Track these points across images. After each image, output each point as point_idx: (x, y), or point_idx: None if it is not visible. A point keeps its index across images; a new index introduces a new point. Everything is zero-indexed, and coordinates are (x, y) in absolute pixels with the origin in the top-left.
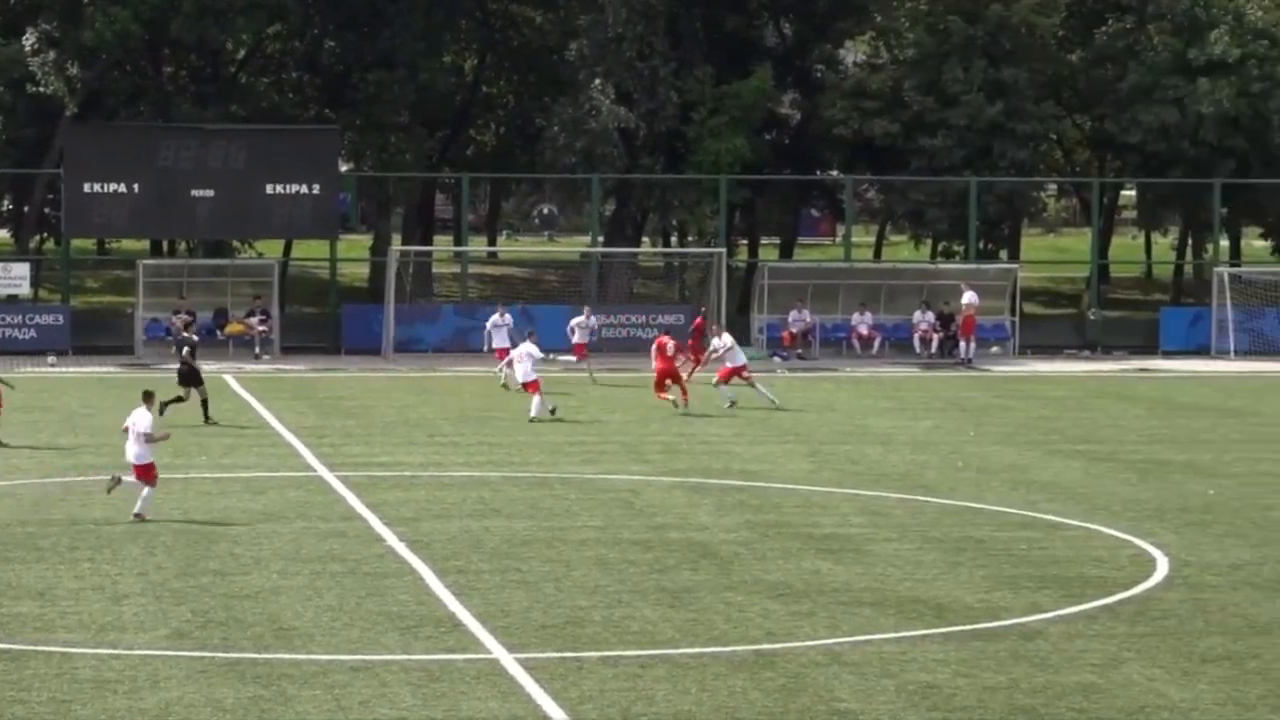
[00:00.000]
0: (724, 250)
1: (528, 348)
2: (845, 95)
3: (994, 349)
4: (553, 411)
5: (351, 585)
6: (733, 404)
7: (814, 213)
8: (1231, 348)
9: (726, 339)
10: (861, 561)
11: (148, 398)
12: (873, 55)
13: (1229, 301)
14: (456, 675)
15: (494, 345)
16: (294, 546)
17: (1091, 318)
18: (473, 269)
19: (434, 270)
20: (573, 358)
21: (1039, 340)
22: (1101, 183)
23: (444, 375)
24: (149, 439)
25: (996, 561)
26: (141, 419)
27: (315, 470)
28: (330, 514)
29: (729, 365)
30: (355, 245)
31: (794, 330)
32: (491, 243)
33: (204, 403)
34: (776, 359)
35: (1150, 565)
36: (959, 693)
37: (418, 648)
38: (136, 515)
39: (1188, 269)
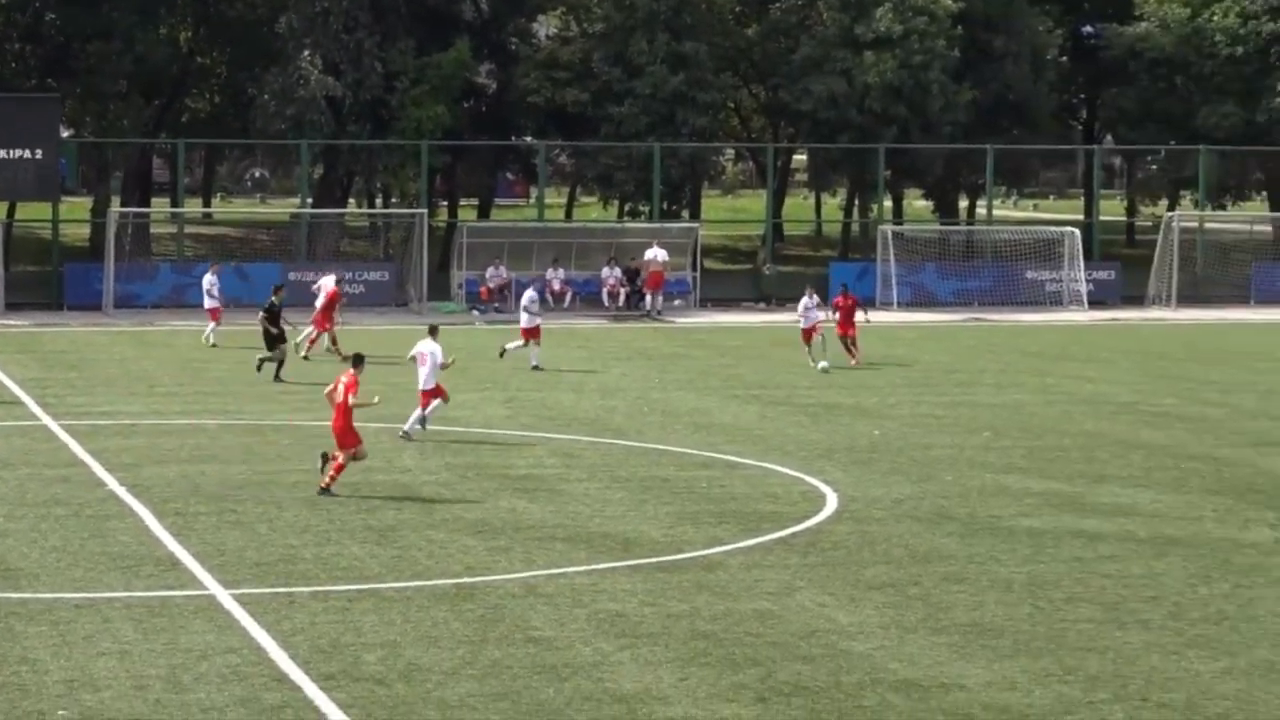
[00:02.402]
0: (425, 211)
1: (533, 294)
2: (538, 66)
3: (676, 302)
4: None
5: (75, 527)
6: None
7: (509, 176)
8: (895, 299)
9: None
10: (555, 500)
11: (434, 331)
12: (564, 29)
13: (892, 257)
14: (175, 610)
15: (208, 305)
16: (19, 492)
17: (766, 272)
18: (189, 229)
19: (152, 231)
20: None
21: (718, 294)
22: (775, 148)
23: (162, 329)
24: (443, 366)
25: (680, 499)
26: (436, 349)
27: (40, 419)
28: (54, 461)
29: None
30: (77, 207)
31: (491, 286)
32: (206, 204)
33: (268, 359)
34: (475, 313)
35: (821, 501)
36: (645, 620)
37: (139, 585)
38: (413, 431)
39: (855, 227)
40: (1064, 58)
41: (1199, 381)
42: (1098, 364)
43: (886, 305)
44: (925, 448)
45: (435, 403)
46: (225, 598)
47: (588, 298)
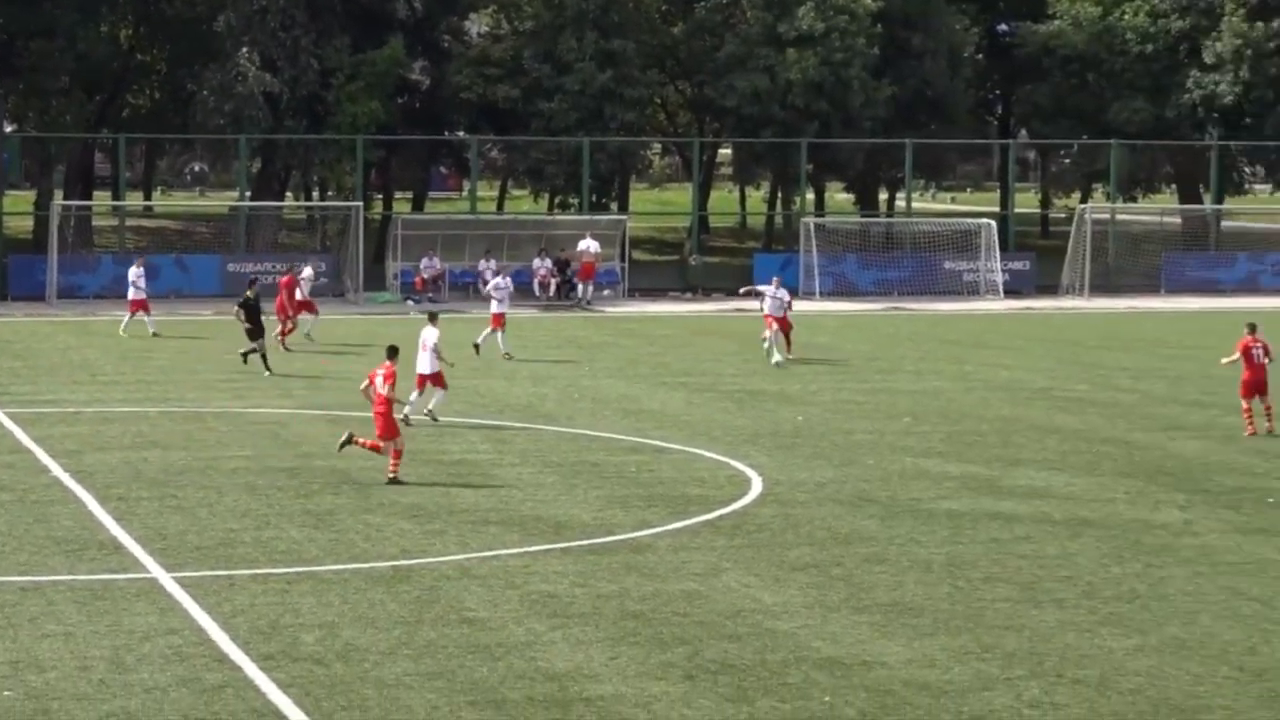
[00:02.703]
0: (361, 204)
1: (500, 282)
2: (470, 63)
3: (605, 292)
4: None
5: (20, 512)
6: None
7: (443, 169)
8: (817, 289)
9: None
10: (488, 484)
11: (433, 318)
12: (495, 27)
13: (814, 248)
14: (119, 593)
15: (132, 296)
16: None
17: (692, 263)
18: (130, 222)
19: (94, 223)
20: (128, 314)
21: (646, 284)
22: (701, 142)
23: (104, 319)
24: (437, 352)
25: (609, 483)
26: (432, 336)
27: None
28: None
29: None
30: (20, 200)
31: (425, 276)
32: (147, 198)
33: (253, 351)
34: (410, 302)
35: (746, 484)
36: (576, 601)
37: (82, 569)
38: (429, 412)
39: (778, 219)
40: (980, 55)
41: (1111, 368)
42: (1013, 351)
43: (809, 295)
44: (847, 433)
45: (439, 393)
46: (167, 580)
47: (519, 288)
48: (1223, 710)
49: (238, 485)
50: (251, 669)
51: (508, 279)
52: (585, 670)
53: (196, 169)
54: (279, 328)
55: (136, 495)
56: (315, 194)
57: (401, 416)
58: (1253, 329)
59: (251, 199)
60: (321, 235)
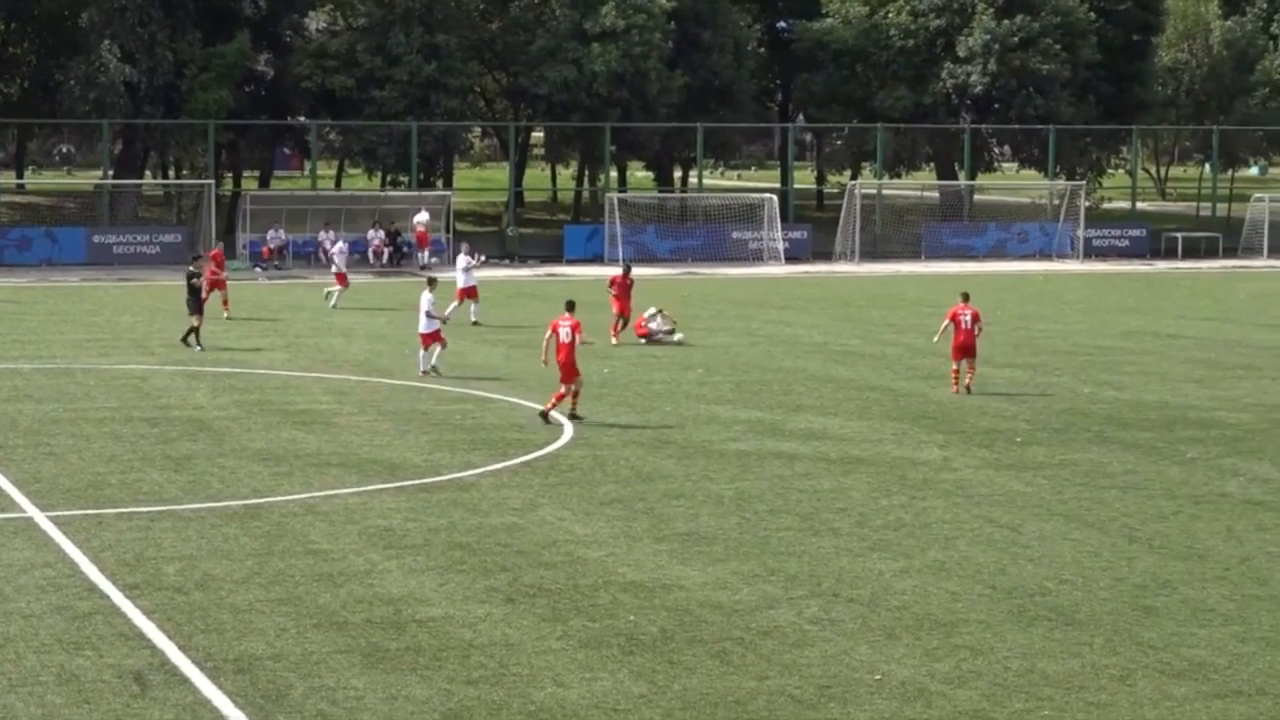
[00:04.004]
0: (212, 182)
1: (463, 260)
2: (310, 56)
3: (434, 260)
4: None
5: None
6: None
7: (286, 150)
8: (620, 256)
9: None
10: (329, 431)
11: (431, 283)
12: (332, 23)
13: (618, 220)
14: None
15: None
16: None
17: (510, 234)
18: (4, 198)
19: None
20: None
21: None
22: (516, 126)
23: None
24: (429, 315)
25: (438, 429)
26: (426, 300)
27: None
28: None
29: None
30: None
31: (271, 246)
32: (19, 176)
33: (191, 331)
34: (258, 270)
35: (560, 429)
36: (409, 534)
37: None
38: (434, 369)
39: (585, 194)
40: (762, 49)
41: (878, 325)
42: (793, 310)
43: (614, 261)
44: (647, 383)
45: (436, 348)
46: (41, 519)
47: (355, 256)
48: (978, 623)
49: (105, 434)
50: (118, 597)
51: (468, 257)
52: (418, 595)
53: (64, 150)
54: (221, 299)
55: (13, 444)
56: (171, 172)
57: (432, 370)
58: (965, 298)
59: (114, 177)
60: (177, 210)
